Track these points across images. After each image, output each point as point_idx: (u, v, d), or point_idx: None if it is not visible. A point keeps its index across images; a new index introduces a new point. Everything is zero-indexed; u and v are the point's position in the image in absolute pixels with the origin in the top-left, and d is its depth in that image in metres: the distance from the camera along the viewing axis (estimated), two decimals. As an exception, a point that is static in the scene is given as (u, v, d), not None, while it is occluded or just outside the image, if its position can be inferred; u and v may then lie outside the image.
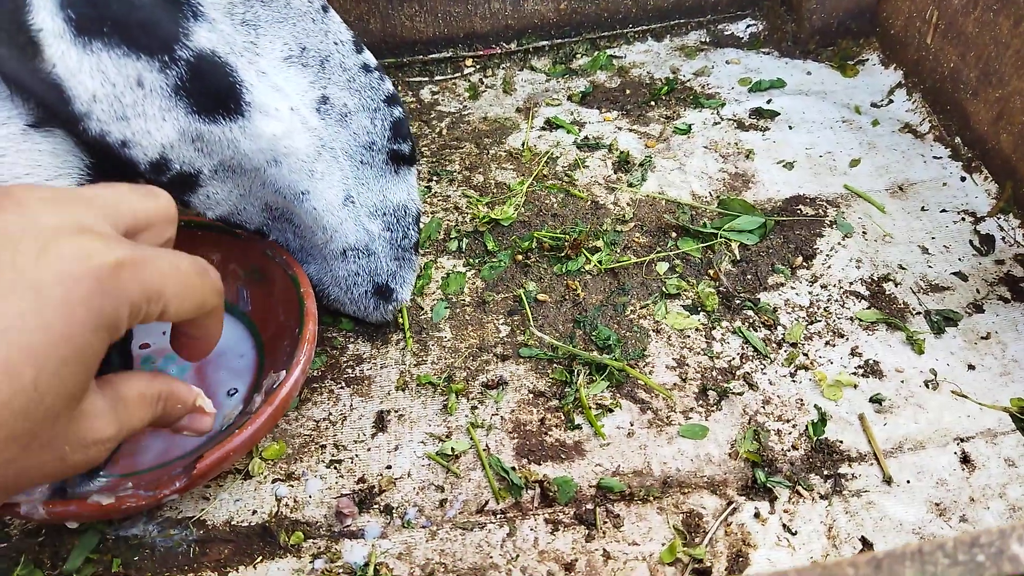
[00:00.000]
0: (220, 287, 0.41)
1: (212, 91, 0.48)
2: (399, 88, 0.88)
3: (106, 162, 0.47)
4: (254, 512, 0.53)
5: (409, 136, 0.61)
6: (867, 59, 0.88)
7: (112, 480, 0.52)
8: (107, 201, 0.36)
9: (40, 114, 0.44)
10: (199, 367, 0.59)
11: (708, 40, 0.92)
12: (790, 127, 0.80)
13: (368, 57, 0.59)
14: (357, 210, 0.59)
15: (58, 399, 0.31)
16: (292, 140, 0.53)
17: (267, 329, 0.60)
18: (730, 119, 0.82)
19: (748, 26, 0.93)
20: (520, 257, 0.69)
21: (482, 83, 0.88)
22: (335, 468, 0.56)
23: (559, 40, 0.90)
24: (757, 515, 0.52)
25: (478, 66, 0.90)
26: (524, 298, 0.66)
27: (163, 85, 0.46)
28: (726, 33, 0.93)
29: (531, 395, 0.59)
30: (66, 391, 0.31)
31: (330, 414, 0.59)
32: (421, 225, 0.65)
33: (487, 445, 0.57)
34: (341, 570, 0.50)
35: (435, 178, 0.76)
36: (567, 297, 0.66)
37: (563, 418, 0.58)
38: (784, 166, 0.76)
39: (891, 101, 0.84)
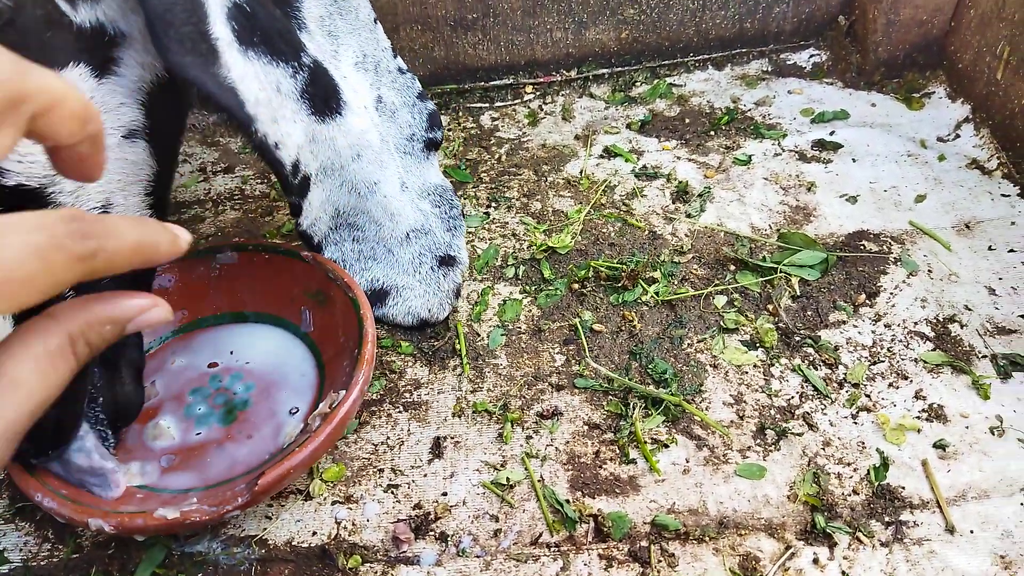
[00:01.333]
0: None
1: (323, 93, 0.55)
2: (460, 114, 0.89)
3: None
4: (314, 533, 0.54)
5: (440, 125, 0.69)
6: (933, 92, 0.87)
7: (176, 495, 0.54)
8: None
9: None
10: (264, 387, 0.61)
11: (770, 69, 0.92)
12: (853, 160, 0.79)
13: (401, 62, 0.67)
14: (410, 193, 0.65)
15: None
16: (369, 135, 0.60)
17: (328, 350, 0.62)
18: (791, 150, 0.81)
19: (811, 56, 0.92)
20: (576, 286, 0.69)
21: (541, 110, 0.89)
22: (392, 493, 0.56)
23: (619, 68, 0.90)
24: (816, 561, 0.52)
25: (538, 93, 0.91)
26: (580, 328, 0.66)
27: (293, 89, 0.52)
28: (788, 63, 0.92)
29: (586, 427, 0.60)
30: None
31: (388, 438, 0.60)
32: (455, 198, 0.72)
33: (541, 476, 0.57)
34: (397, 596, 0.51)
35: (493, 204, 0.77)
36: (623, 328, 0.66)
37: (618, 451, 0.58)
38: (847, 200, 0.75)
39: (958, 136, 0.82)
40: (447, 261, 0.67)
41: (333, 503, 0.56)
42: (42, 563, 0.54)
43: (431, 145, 0.68)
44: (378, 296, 0.66)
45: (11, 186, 0.39)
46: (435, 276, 0.67)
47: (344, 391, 0.54)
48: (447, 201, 0.69)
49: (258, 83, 0.49)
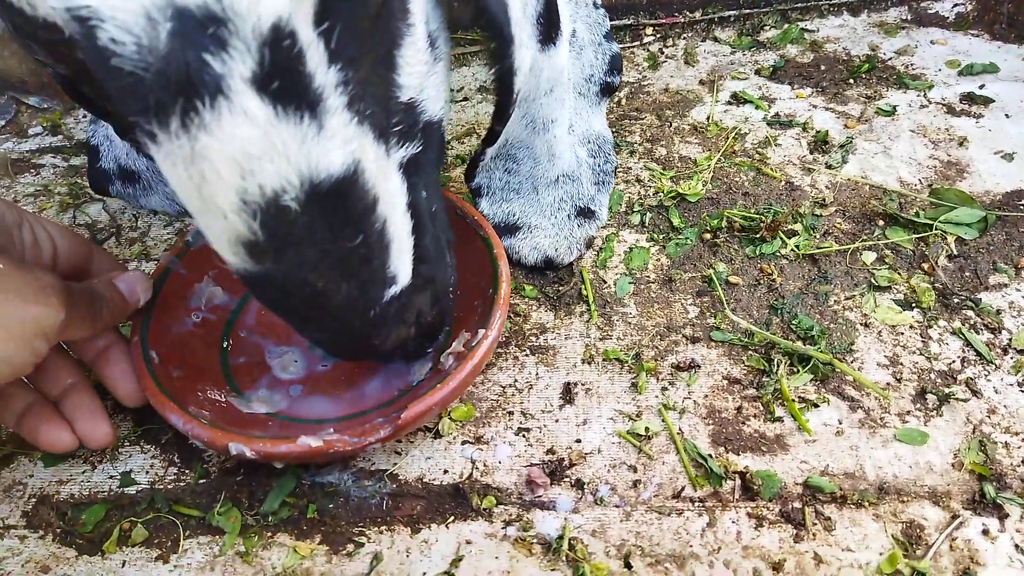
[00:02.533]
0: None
1: (549, 21, 0.52)
2: (576, 54, 0.85)
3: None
4: (445, 472, 0.52)
5: (621, 69, 0.65)
6: (1094, 45, 0.80)
7: (311, 424, 0.52)
8: None
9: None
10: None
11: (909, 18, 0.85)
12: (1007, 115, 0.73)
13: None
14: (573, 138, 0.62)
15: None
16: (565, 69, 0.57)
17: (455, 290, 0.59)
18: (939, 103, 0.75)
19: (955, 5, 0.85)
20: (708, 236, 0.65)
21: (662, 53, 0.84)
22: (523, 436, 0.54)
23: (747, 10, 0.85)
24: (986, 532, 0.48)
25: (658, 35, 0.86)
26: (715, 279, 0.62)
27: (534, 12, 0.50)
28: (930, 12, 0.86)
29: (725, 381, 0.56)
30: None
31: (516, 380, 0.57)
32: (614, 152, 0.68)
33: (680, 428, 0.54)
34: (534, 540, 0.49)
35: (615, 149, 0.74)
36: (761, 281, 0.62)
37: (762, 408, 0.55)
38: (1003, 157, 0.70)
39: (1123, 93, 0.75)
40: (586, 213, 0.64)
41: (463, 443, 0.54)
42: (169, 486, 0.53)
43: (607, 90, 0.65)
44: (508, 229, 0.64)
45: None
46: (570, 224, 0.64)
47: (482, 331, 0.51)
48: (604, 153, 0.66)
49: (520, 2, 0.46)
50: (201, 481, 0.53)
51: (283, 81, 0.32)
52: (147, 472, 0.54)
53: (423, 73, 0.41)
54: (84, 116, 0.83)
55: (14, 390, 0.50)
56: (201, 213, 0.35)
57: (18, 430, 0.51)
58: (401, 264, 0.42)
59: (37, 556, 0.50)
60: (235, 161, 0.33)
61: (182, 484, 0.53)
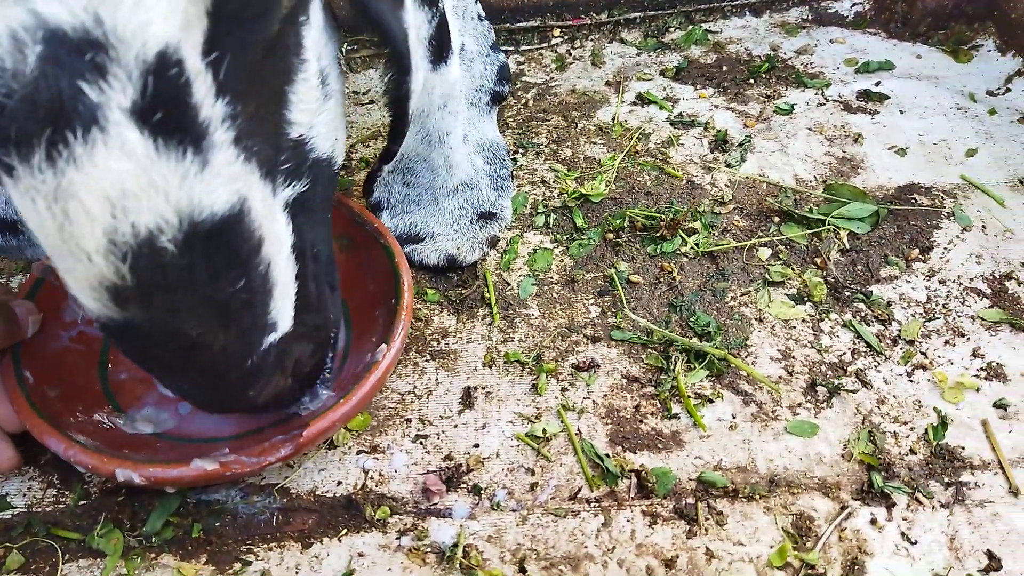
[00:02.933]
0: None
1: (440, 41, 0.53)
2: (484, 56, 0.85)
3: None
4: (339, 483, 0.51)
5: (509, 79, 0.66)
6: (982, 44, 0.83)
7: (203, 444, 0.50)
8: None
9: None
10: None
11: (810, 18, 0.87)
12: (901, 111, 0.76)
13: (479, 8, 0.63)
14: (468, 147, 0.62)
15: None
16: (458, 84, 0.58)
17: (353, 297, 0.58)
18: (836, 100, 0.77)
19: (853, 5, 0.88)
20: (611, 235, 0.66)
21: (569, 55, 0.85)
22: (421, 443, 0.53)
23: (652, 12, 0.86)
24: (873, 521, 0.49)
25: (566, 37, 0.86)
26: (616, 278, 0.62)
27: (426, 36, 0.51)
28: (829, 11, 0.88)
29: (624, 380, 0.56)
30: None
31: (415, 387, 0.56)
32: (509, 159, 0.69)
33: (579, 429, 0.54)
34: (429, 548, 0.48)
35: (521, 150, 0.73)
36: (661, 279, 0.62)
37: (659, 406, 0.55)
38: (896, 152, 0.71)
39: (1008, 90, 0.78)
40: (487, 216, 0.65)
41: (358, 452, 0.53)
42: (47, 508, 0.50)
43: (496, 99, 0.65)
44: (411, 239, 0.63)
45: None
46: (472, 227, 0.64)
47: (384, 345, 0.50)
48: (499, 160, 0.67)
49: (415, 29, 0.47)
50: (81, 502, 0.51)
51: (166, 113, 0.30)
52: (24, 495, 0.51)
53: (314, 110, 0.40)
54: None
55: None
56: (60, 254, 0.32)
57: None
58: (283, 310, 0.39)
59: (-100, 591, 0.47)
60: (107, 199, 0.30)
61: (61, 506, 0.50)
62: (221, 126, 0.32)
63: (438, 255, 0.63)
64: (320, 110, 0.41)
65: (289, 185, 0.39)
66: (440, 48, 0.54)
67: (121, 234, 0.31)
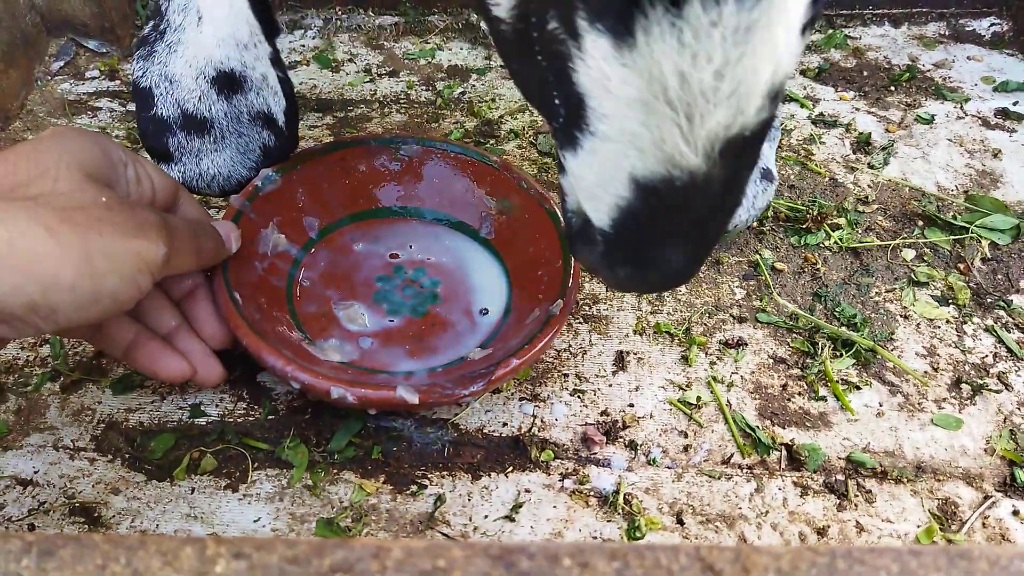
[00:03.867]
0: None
1: None
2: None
3: None
4: (504, 424, 0.55)
5: None
6: (1121, 74, 0.84)
7: (391, 376, 0.54)
8: None
9: None
10: (450, 284, 0.60)
11: (947, 33, 0.89)
12: (1039, 132, 0.77)
13: None
14: None
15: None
16: None
17: (513, 258, 0.61)
18: (974, 115, 0.78)
19: (992, 24, 0.89)
20: (755, 224, 0.68)
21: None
22: (579, 397, 0.56)
23: (794, 14, 0.88)
24: (1016, 513, 0.51)
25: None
26: (762, 264, 0.65)
27: None
28: (967, 28, 0.89)
29: (771, 360, 0.59)
30: None
31: (570, 346, 0.60)
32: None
33: (728, 400, 0.57)
34: (591, 493, 0.51)
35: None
36: (805, 269, 0.65)
37: (806, 387, 0.57)
38: (1035, 171, 0.73)
39: None
40: (767, 175, 0.62)
41: (521, 399, 0.56)
42: (238, 420, 0.55)
43: None
44: None
45: None
46: (755, 189, 0.61)
47: (562, 300, 0.53)
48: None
49: None
50: (270, 417, 0.55)
51: None
52: (216, 405, 0.55)
53: None
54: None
55: (120, 323, 0.51)
56: (688, 109, 0.29)
57: (127, 360, 0.51)
58: None
59: (107, 478, 0.51)
60: (794, 32, 0.28)
61: (251, 419, 0.55)
62: None
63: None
64: None
65: None
66: None
67: (781, 76, 0.29)
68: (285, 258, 0.60)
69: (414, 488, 0.51)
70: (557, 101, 0.34)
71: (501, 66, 0.86)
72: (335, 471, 0.52)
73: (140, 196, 0.49)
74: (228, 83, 0.55)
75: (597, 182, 0.34)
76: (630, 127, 0.30)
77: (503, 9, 0.35)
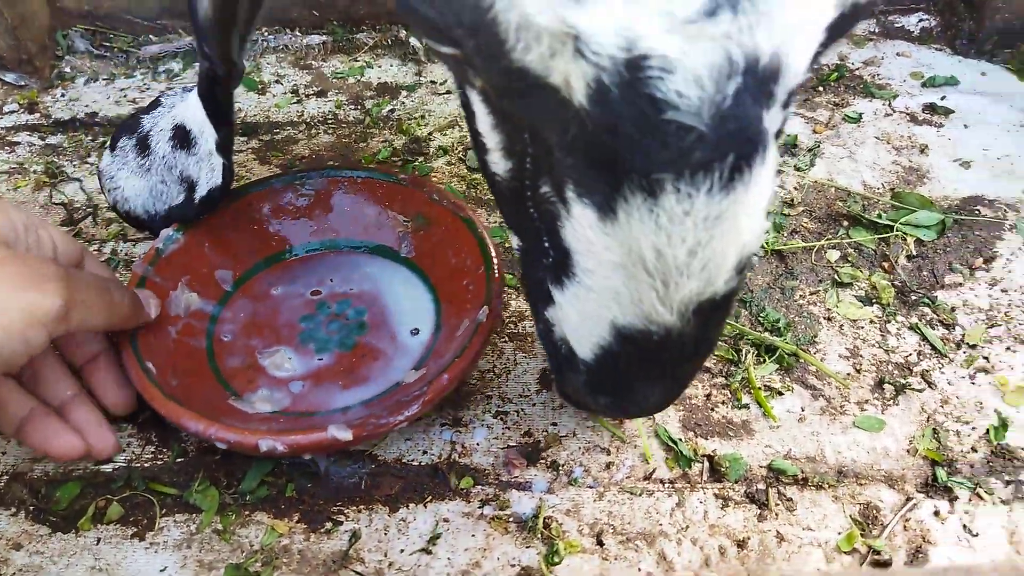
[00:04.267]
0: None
1: None
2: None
3: None
4: (424, 452, 0.54)
5: None
6: (1047, 63, 0.84)
7: (325, 417, 0.53)
8: None
9: None
10: (376, 311, 0.60)
11: (877, 31, 0.89)
12: (965, 126, 0.77)
13: None
14: None
15: None
16: None
17: (438, 271, 0.60)
18: (902, 112, 0.79)
19: (920, 20, 0.89)
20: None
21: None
22: (501, 419, 0.56)
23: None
24: (936, 513, 0.51)
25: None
26: (687, 272, 0.64)
27: None
28: (896, 25, 0.89)
29: (695, 369, 0.58)
30: None
31: (495, 366, 0.59)
32: None
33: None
34: (510, 518, 0.50)
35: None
36: (731, 276, 0.64)
37: (730, 395, 0.57)
38: (961, 165, 0.73)
39: (1073, 108, 0.79)
40: None
41: (442, 425, 0.55)
42: (146, 465, 0.53)
43: None
44: None
45: None
46: None
47: (487, 307, 0.53)
48: None
49: None
50: (179, 460, 0.53)
51: (777, 132, 0.31)
52: (124, 451, 0.54)
53: None
54: (63, 95, 0.83)
55: (13, 396, 0.49)
56: (664, 278, 0.32)
57: (19, 437, 0.50)
58: None
59: (9, 533, 0.50)
60: (758, 218, 0.32)
61: (159, 463, 0.53)
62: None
63: None
64: None
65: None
66: None
67: (746, 250, 0.33)
68: (200, 316, 0.58)
69: (329, 525, 0.50)
70: (547, 246, 0.38)
71: (432, 82, 0.85)
72: (247, 513, 0.51)
73: (40, 255, 0.48)
74: (183, 137, 0.59)
75: (581, 323, 0.37)
76: (612, 285, 0.34)
77: (501, 169, 0.39)
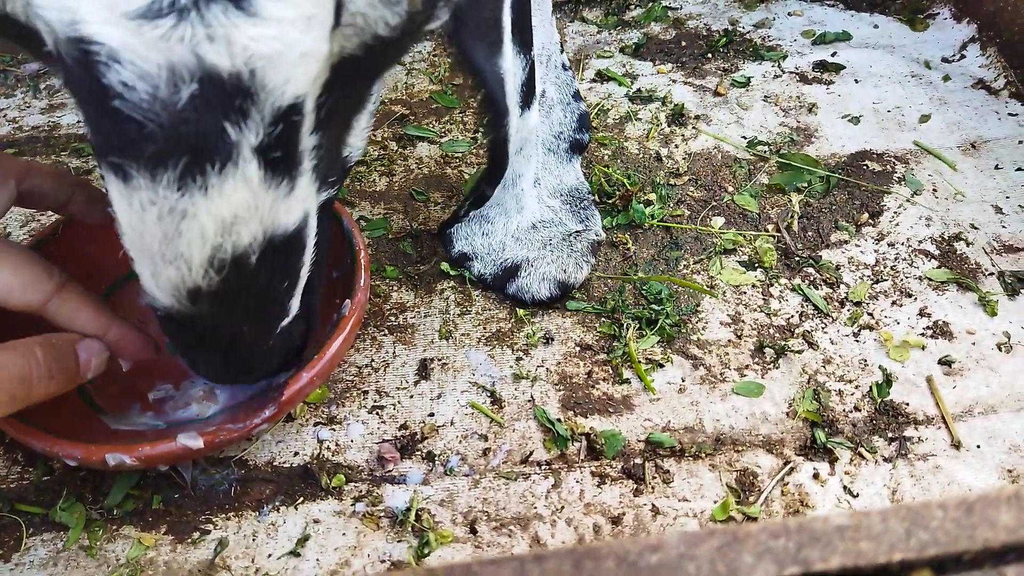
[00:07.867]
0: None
1: (528, 87, 0.54)
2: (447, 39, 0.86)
3: None
4: (296, 454, 0.52)
5: (589, 127, 0.67)
6: (938, 12, 0.83)
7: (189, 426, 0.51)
8: None
9: None
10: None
11: (769, -8, 0.88)
12: (856, 81, 0.76)
13: (565, 58, 0.66)
14: (540, 190, 0.63)
15: None
16: (535, 129, 0.59)
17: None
18: (792, 72, 0.78)
19: (812, -22, 0.88)
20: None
21: (532, 35, 0.85)
22: (377, 414, 0.54)
23: (613, -9, 0.87)
24: (816, 476, 0.50)
25: (528, 17, 0.87)
26: (572, 250, 0.63)
27: (518, 82, 0.52)
28: (788, -15, 0.88)
29: (578, 348, 0.57)
30: None
31: (372, 360, 0.58)
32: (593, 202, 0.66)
33: (532, 396, 0.55)
34: (383, 514, 0.49)
35: (482, 130, 0.74)
36: (617, 250, 0.64)
37: (611, 372, 0.56)
38: (850, 120, 0.72)
39: (963, 56, 0.79)
40: (575, 233, 0.62)
41: (315, 424, 0.54)
42: (11, 485, 0.52)
43: (576, 147, 0.66)
44: (510, 273, 0.60)
45: None
46: (565, 244, 0.60)
47: (349, 300, 0.51)
48: (580, 200, 0.64)
49: (512, 75, 0.48)
50: (44, 478, 0.52)
51: (281, 149, 0.34)
52: (-11, 475, 0.52)
53: (365, 132, 0.43)
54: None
55: None
56: (152, 259, 0.35)
57: None
58: (297, 298, 0.43)
59: None
60: (223, 222, 0.34)
61: (25, 482, 0.52)
62: (308, 155, 0.36)
63: (547, 284, 0.59)
64: (367, 128, 0.44)
65: (327, 191, 0.42)
66: (527, 95, 0.54)
67: (223, 250, 0.35)
68: None
69: (196, 535, 0.49)
70: None
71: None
72: (114, 527, 0.49)
73: None
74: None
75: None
76: (136, 258, 0.36)
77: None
